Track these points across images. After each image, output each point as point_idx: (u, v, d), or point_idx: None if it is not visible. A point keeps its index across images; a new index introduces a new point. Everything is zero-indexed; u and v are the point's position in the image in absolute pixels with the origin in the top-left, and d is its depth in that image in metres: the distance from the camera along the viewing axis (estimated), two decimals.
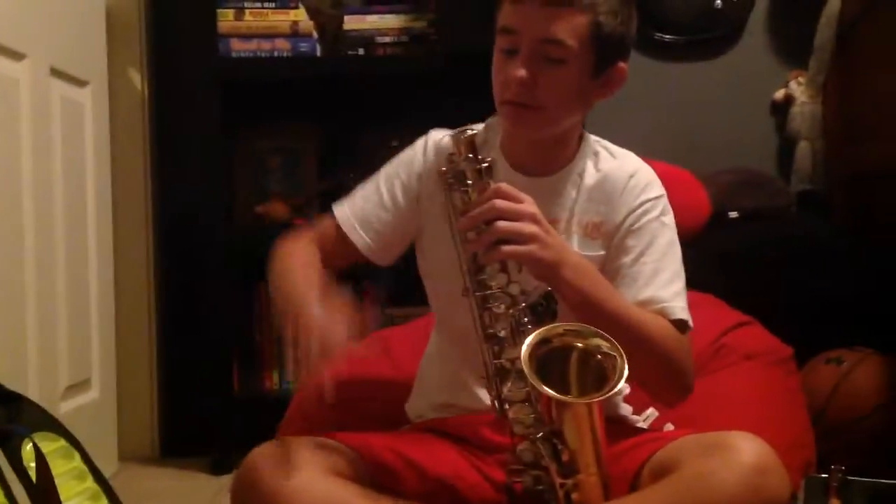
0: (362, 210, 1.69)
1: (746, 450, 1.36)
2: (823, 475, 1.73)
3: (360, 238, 1.68)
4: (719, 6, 3.04)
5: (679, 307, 1.56)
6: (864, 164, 2.72)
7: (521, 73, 1.51)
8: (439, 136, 1.67)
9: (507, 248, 1.40)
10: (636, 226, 1.60)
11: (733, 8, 3.05)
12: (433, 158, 1.66)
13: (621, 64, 1.59)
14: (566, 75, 1.53)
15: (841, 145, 2.89)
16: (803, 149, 2.96)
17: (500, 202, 1.41)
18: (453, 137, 1.47)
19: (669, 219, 1.63)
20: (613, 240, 1.61)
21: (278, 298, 1.58)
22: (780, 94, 3.05)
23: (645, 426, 1.73)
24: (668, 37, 3.06)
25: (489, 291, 1.42)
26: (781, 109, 3.06)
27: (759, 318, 2.17)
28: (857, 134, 2.77)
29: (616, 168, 1.65)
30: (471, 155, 1.45)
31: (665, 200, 1.65)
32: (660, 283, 1.57)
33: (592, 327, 1.39)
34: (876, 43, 2.63)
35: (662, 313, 1.55)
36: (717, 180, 2.72)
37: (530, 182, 1.59)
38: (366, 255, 1.69)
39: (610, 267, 1.59)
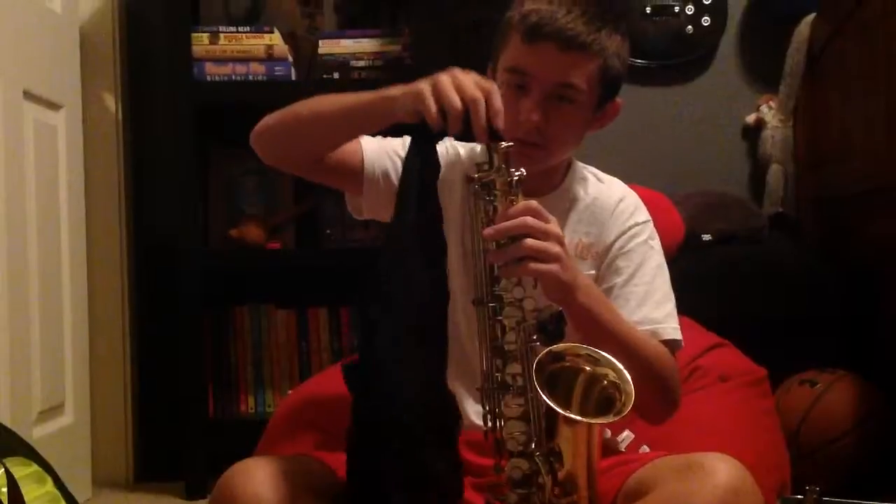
0: (388, 149, 1.67)
1: (721, 470, 1.36)
2: (798, 496, 1.73)
3: (371, 166, 1.65)
4: (690, 31, 3.07)
5: (671, 328, 1.61)
6: (833, 186, 2.75)
7: (536, 116, 1.55)
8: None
9: (533, 265, 1.39)
10: (626, 248, 1.65)
11: (704, 33, 3.08)
12: (457, 158, 1.67)
13: (618, 99, 1.67)
14: (575, 115, 1.59)
15: (811, 168, 2.93)
16: (775, 172, 2.98)
17: (531, 219, 1.40)
18: (488, 146, 1.44)
19: (657, 243, 1.68)
20: (604, 260, 1.65)
21: (358, 104, 1.55)
22: (751, 118, 3.08)
23: (622, 448, 1.74)
24: (639, 61, 3.08)
25: (502, 304, 1.41)
26: (753, 133, 3.09)
27: (732, 340, 2.18)
28: (827, 157, 2.80)
29: (604, 192, 1.70)
30: (503, 166, 1.43)
31: (652, 225, 1.70)
32: (652, 304, 1.61)
33: (608, 356, 1.39)
34: (844, 66, 2.66)
35: (655, 334, 1.58)
36: (689, 203, 2.73)
37: None
38: (365, 182, 1.65)
39: (602, 287, 1.62)
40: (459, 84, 1.42)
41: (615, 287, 1.62)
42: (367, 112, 1.55)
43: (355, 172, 1.66)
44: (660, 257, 1.67)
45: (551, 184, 1.68)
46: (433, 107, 1.40)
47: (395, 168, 1.65)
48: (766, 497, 1.45)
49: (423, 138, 1.46)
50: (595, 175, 1.73)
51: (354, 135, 1.64)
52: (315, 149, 1.64)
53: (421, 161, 1.45)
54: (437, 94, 1.41)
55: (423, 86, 1.44)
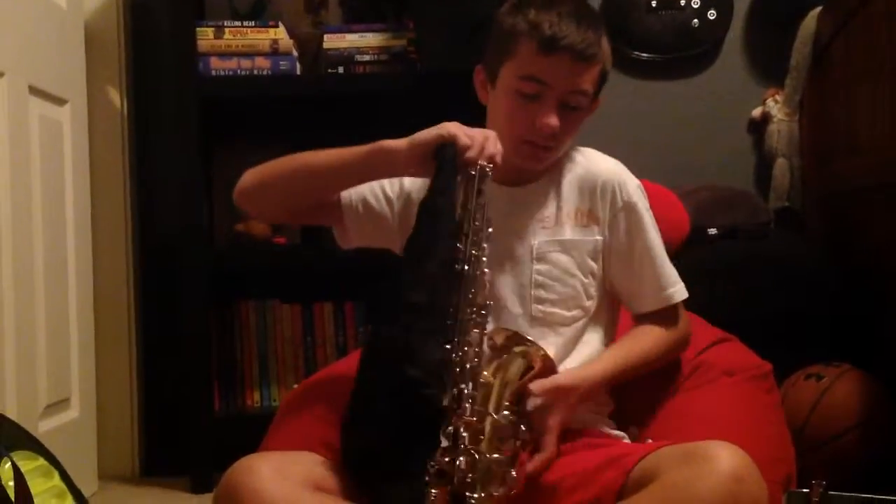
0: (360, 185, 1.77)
1: (724, 458, 1.37)
2: (804, 490, 1.73)
3: (347, 196, 1.75)
4: (696, 25, 3.07)
5: (678, 291, 1.79)
6: (839, 180, 2.74)
7: (555, 122, 1.65)
8: None
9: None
10: (626, 219, 1.76)
11: (710, 27, 3.08)
12: None
13: (598, 98, 1.78)
14: (581, 117, 1.72)
15: (817, 162, 2.92)
16: (781, 166, 2.98)
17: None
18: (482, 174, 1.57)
19: (646, 203, 1.80)
20: (606, 228, 1.75)
21: (349, 158, 1.67)
22: (757, 112, 3.08)
23: (627, 442, 1.74)
24: (645, 55, 3.08)
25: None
26: (759, 127, 3.08)
27: (737, 334, 2.18)
28: (833, 151, 2.80)
29: (589, 166, 1.79)
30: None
31: (641, 189, 1.81)
32: (658, 271, 1.77)
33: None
34: (850, 60, 2.66)
35: (668, 301, 1.77)
36: (695, 198, 2.73)
37: (515, 191, 1.74)
38: (344, 212, 1.75)
39: (611, 252, 1.75)
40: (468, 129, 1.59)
41: (623, 254, 1.76)
42: (365, 164, 1.65)
43: (333, 205, 1.75)
44: (651, 218, 1.79)
45: (540, 172, 1.77)
46: (463, 136, 1.56)
47: (373, 193, 1.76)
48: (771, 490, 1.45)
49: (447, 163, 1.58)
50: (576, 151, 1.82)
51: (353, 185, 1.73)
52: (309, 201, 1.75)
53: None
54: (459, 130, 1.57)
55: (442, 127, 1.59)
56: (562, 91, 1.65)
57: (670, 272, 1.79)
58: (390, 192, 1.77)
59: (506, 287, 1.69)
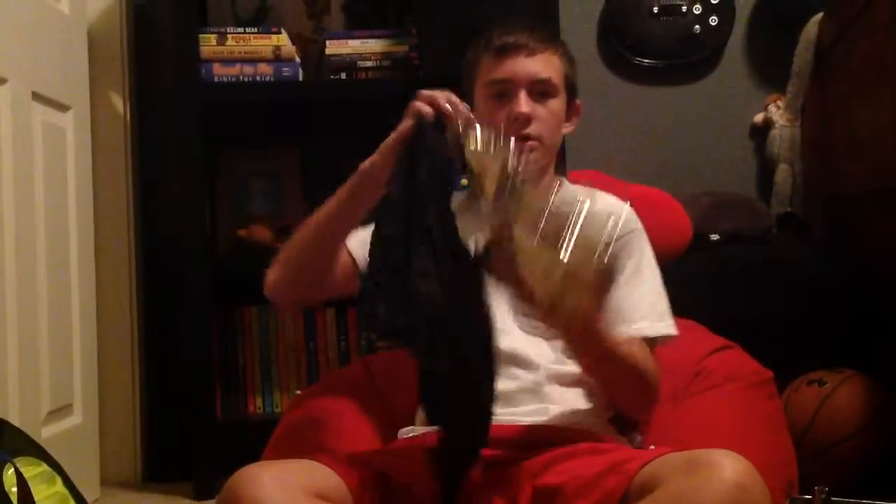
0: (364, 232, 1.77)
1: (728, 466, 1.37)
2: (807, 496, 1.73)
3: (357, 254, 1.79)
4: (698, 31, 3.07)
5: (653, 327, 1.76)
6: (841, 185, 2.74)
7: (526, 107, 1.77)
8: None
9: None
10: (622, 253, 1.75)
11: (712, 32, 3.08)
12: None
13: (577, 101, 1.90)
14: (555, 107, 1.82)
15: (819, 168, 2.92)
16: (783, 172, 2.98)
17: None
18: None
19: (649, 249, 1.84)
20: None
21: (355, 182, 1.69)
22: (759, 117, 3.08)
23: (629, 448, 1.74)
24: (647, 61, 3.09)
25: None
26: (760, 133, 3.09)
27: (739, 339, 2.18)
28: (835, 156, 2.80)
29: (595, 205, 1.74)
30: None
31: (644, 233, 1.85)
32: (639, 299, 1.76)
33: None
34: (851, 66, 2.66)
35: (639, 332, 1.73)
36: (697, 203, 2.73)
37: None
38: (356, 267, 1.80)
39: None
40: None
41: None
42: (353, 191, 1.68)
43: (353, 267, 1.81)
44: (652, 260, 1.83)
45: (540, 187, 1.77)
46: (425, 105, 1.62)
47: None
48: (774, 497, 1.45)
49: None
50: (585, 191, 1.88)
51: (358, 216, 1.72)
52: (327, 260, 1.77)
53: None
54: (421, 98, 1.64)
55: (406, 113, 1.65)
56: (525, 82, 1.78)
57: (654, 305, 1.78)
58: None
59: (501, 304, 1.69)
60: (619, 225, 1.70)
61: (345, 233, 1.76)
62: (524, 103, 1.77)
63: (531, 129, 1.78)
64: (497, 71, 1.80)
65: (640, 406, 1.77)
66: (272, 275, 1.80)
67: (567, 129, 1.89)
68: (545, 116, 1.79)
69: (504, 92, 1.79)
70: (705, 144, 3.10)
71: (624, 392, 1.73)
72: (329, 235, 1.75)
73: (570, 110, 1.88)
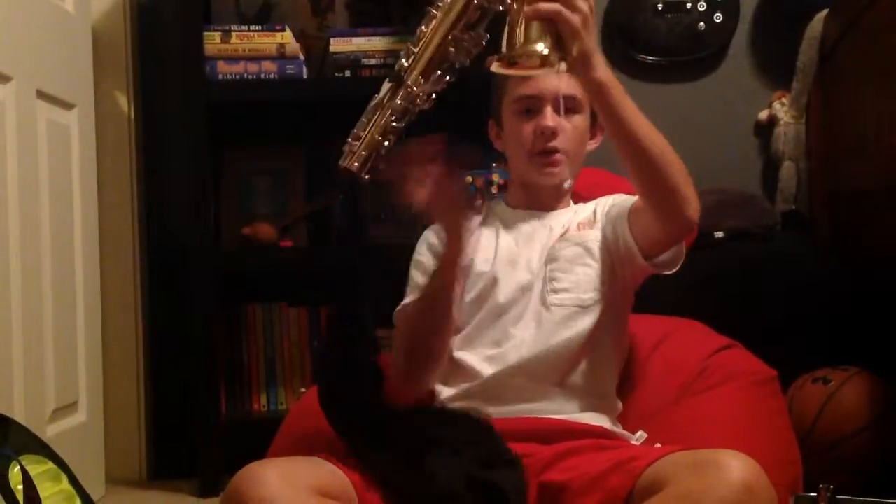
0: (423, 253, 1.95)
1: (735, 467, 1.37)
2: (812, 494, 1.73)
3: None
4: (702, 28, 3.06)
5: None
6: (846, 183, 2.74)
7: (552, 121, 1.85)
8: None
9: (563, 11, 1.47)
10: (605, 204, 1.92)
11: (716, 30, 3.08)
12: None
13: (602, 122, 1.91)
14: (580, 122, 1.90)
15: (824, 165, 2.91)
16: (787, 169, 2.98)
17: None
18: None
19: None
20: (598, 223, 1.89)
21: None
22: (763, 114, 3.07)
23: (635, 444, 1.74)
24: (651, 58, 3.08)
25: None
26: (765, 130, 3.08)
27: (744, 337, 2.18)
28: (840, 153, 2.79)
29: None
30: None
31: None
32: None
33: None
34: (856, 63, 2.65)
35: None
36: (702, 200, 2.71)
37: (532, 213, 1.94)
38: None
39: (607, 233, 1.86)
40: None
41: (613, 214, 1.87)
42: (441, 273, 1.78)
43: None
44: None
45: (563, 202, 1.97)
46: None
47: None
48: (779, 495, 1.45)
49: None
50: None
51: (449, 291, 1.78)
52: (443, 331, 1.82)
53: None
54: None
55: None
56: (552, 97, 1.85)
57: None
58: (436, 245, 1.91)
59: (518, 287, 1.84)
60: (609, 197, 1.93)
61: (446, 303, 1.79)
62: (550, 117, 1.85)
63: (557, 143, 1.86)
64: (525, 88, 1.88)
65: (682, 211, 1.81)
66: (394, 374, 1.79)
67: (591, 145, 1.96)
68: (570, 131, 1.88)
69: (531, 108, 1.88)
70: (709, 141, 3.09)
71: (661, 177, 1.76)
72: (438, 313, 1.80)
73: (595, 127, 1.95)
